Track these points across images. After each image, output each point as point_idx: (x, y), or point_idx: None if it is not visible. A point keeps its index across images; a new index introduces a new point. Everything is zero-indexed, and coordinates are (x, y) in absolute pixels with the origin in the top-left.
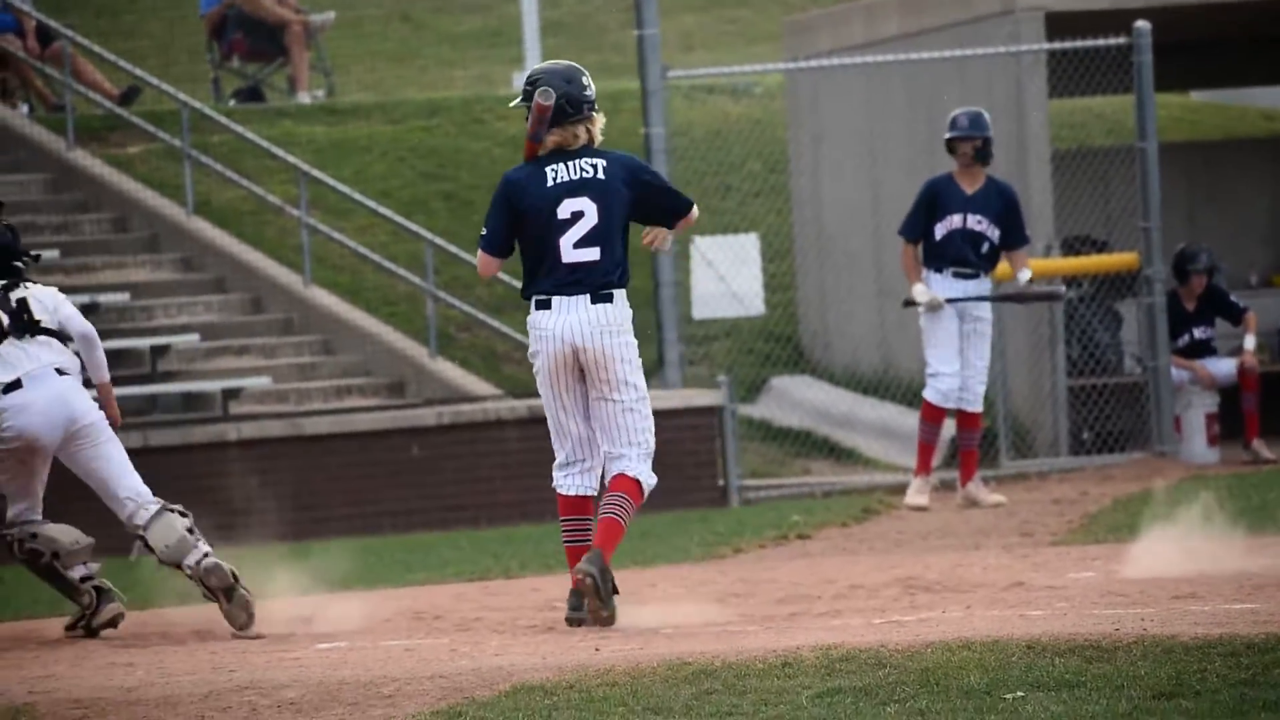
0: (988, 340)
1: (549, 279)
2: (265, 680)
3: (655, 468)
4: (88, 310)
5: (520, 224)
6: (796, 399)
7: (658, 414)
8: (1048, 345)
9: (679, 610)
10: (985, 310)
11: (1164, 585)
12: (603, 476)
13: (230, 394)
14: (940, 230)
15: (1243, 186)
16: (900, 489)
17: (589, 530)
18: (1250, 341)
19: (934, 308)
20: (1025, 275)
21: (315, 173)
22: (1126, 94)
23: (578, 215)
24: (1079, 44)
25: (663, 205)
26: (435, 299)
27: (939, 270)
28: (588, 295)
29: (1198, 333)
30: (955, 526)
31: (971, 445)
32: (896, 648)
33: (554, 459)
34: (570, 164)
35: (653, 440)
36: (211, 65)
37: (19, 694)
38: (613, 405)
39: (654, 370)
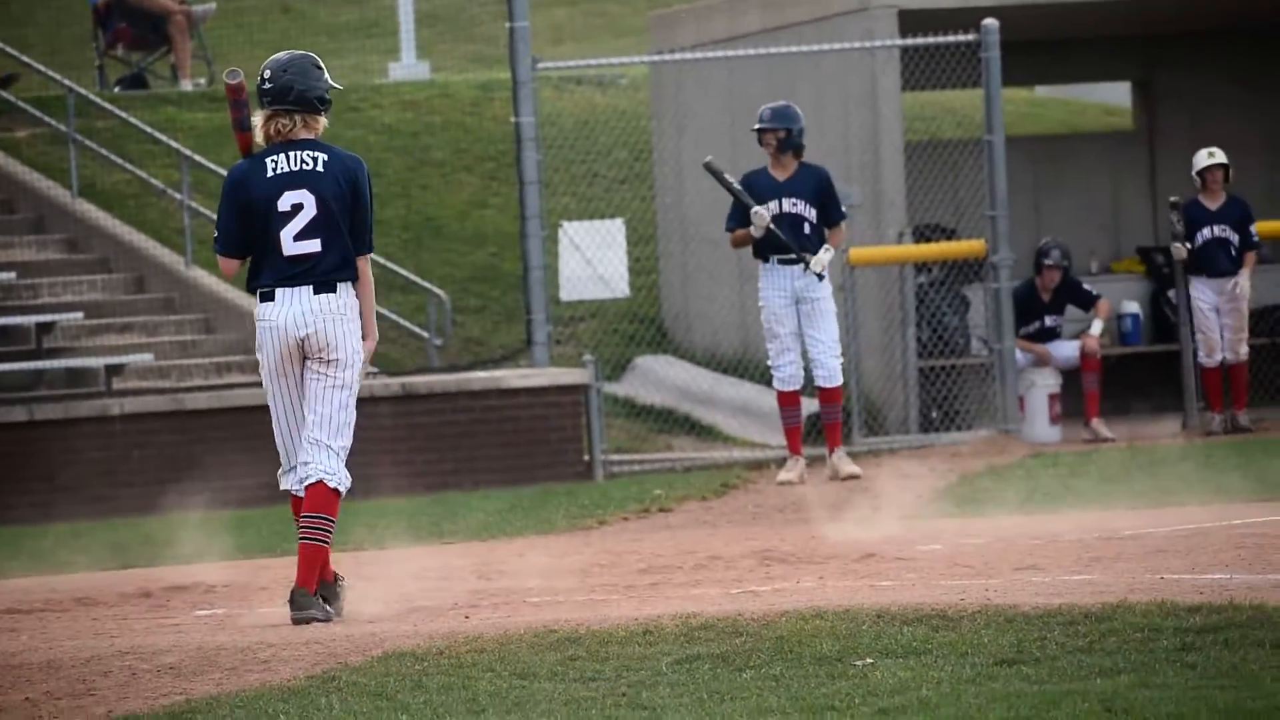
0: (829, 315)
1: (271, 272)
2: (145, 646)
3: (523, 444)
4: None
5: (247, 218)
6: (659, 378)
7: (528, 392)
8: (899, 327)
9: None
10: (820, 289)
11: (1007, 557)
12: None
13: (113, 370)
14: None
15: (1084, 178)
16: (758, 465)
17: None
18: (1097, 326)
19: (760, 227)
20: (827, 255)
21: (197, 157)
22: (975, 89)
23: (297, 208)
24: (930, 40)
25: (353, 223)
26: None
27: (765, 260)
28: (310, 286)
29: (1048, 320)
30: (809, 501)
31: (833, 418)
32: (752, 617)
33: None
34: (291, 155)
35: (350, 438)
36: (97, 53)
37: None
38: (326, 381)
39: (523, 350)
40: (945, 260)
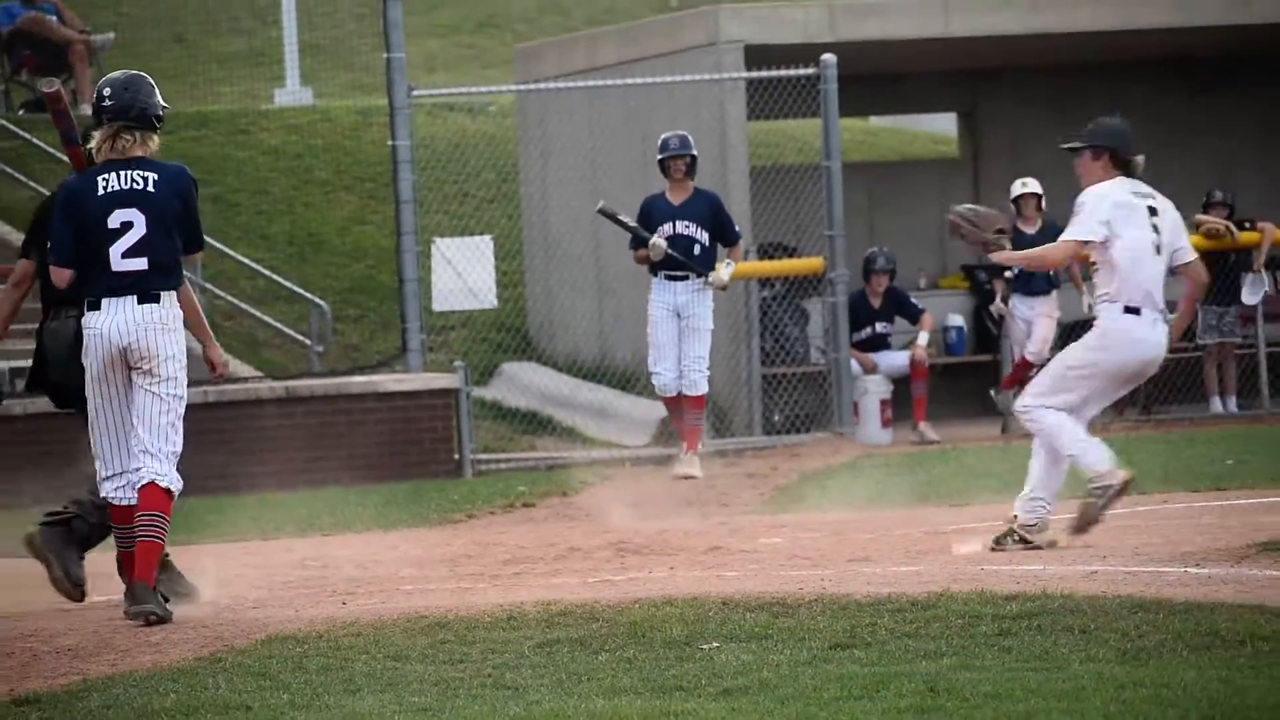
0: (701, 334)
1: (99, 285)
2: (45, 629)
3: (398, 443)
4: None
5: (79, 232)
6: (524, 383)
7: (403, 395)
8: (744, 337)
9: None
10: (700, 309)
11: (841, 549)
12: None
13: (17, 373)
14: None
15: (914, 201)
16: (611, 464)
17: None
18: (924, 338)
19: (657, 254)
20: (726, 271)
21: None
22: (815, 118)
23: (127, 225)
24: (774, 73)
25: (184, 229)
26: (203, 290)
27: (654, 274)
28: (134, 297)
29: (879, 327)
30: (660, 497)
31: (694, 424)
32: (608, 604)
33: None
34: (122, 174)
35: (180, 442)
36: (3, 78)
37: None
38: (153, 397)
39: (398, 356)
40: (787, 276)
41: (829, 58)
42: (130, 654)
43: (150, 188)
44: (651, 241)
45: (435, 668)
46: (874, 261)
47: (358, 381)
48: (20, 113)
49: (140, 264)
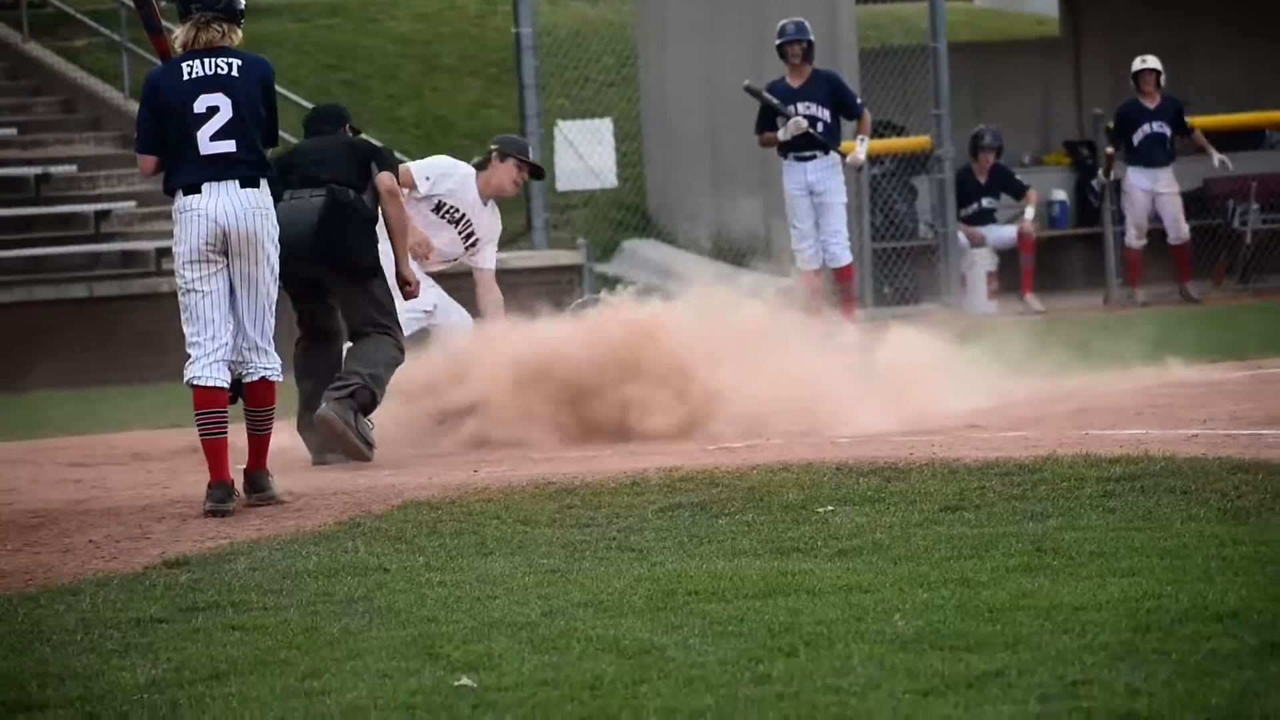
0: (836, 209)
1: (190, 170)
2: (194, 495)
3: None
4: (40, 180)
5: (164, 119)
6: (644, 259)
7: (530, 271)
8: (855, 213)
9: None
10: (831, 184)
11: (951, 416)
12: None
13: (162, 252)
14: (781, 121)
15: (1017, 80)
16: None
17: (224, 420)
18: (1030, 212)
19: (797, 129)
20: (861, 148)
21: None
22: (922, 0)
23: (213, 110)
24: None
25: (266, 122)
26: None
27: (784, 156)
28: (236, 181)
29: (985, 202)
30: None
31: (846, 293)
32: (728, 470)
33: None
34: (206, 61)
35: (273, 325)
36: None
37: None
38: (252, 286)
39: (524, 234)
40: (896, 154)
41: None
42: (274, 519)
43: (235, 73)
44: (792, 120)
45: (563, 531)
46: (981, 139)
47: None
48: (163, 4)
49: (228, 146)
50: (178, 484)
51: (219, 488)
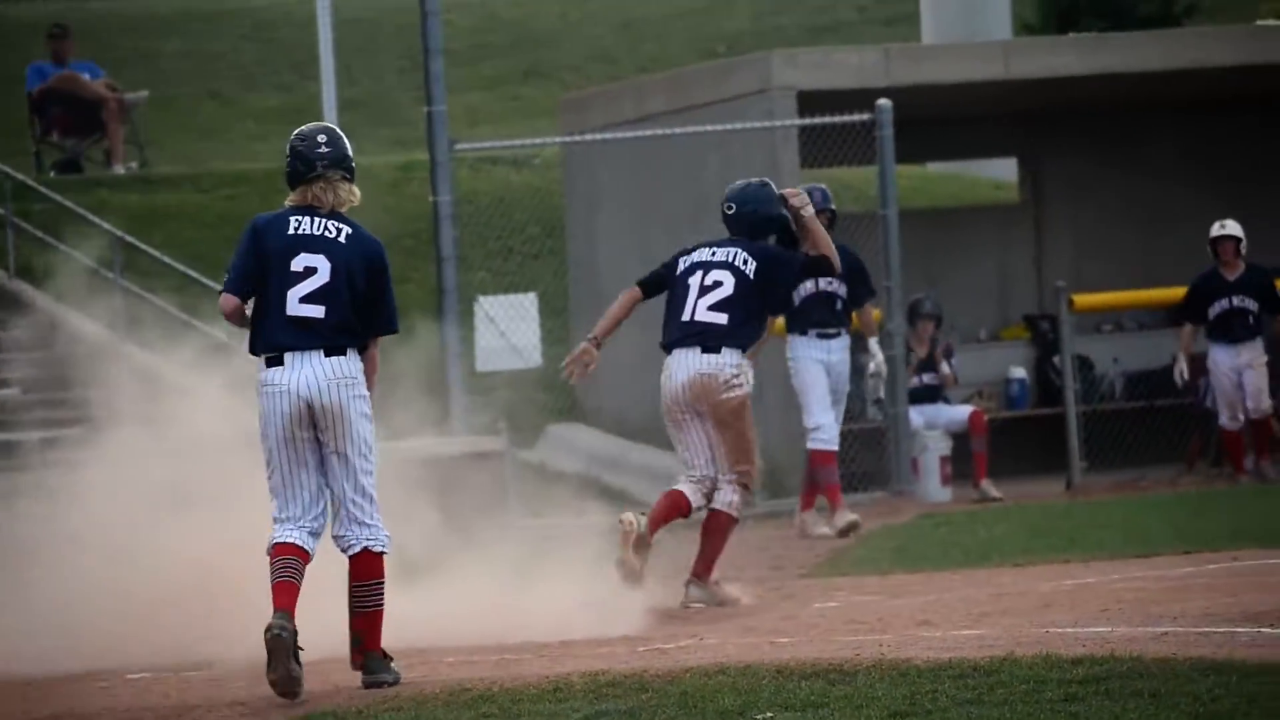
0: (842, 396)
1: (274, 332)
2: (79, 709)
3: (444, 505)
4: None
5: (257, 266)
6: (570, 443)
7: (447, 459)
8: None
9: None
10: (846, 371)
11: (900, 613)
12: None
13: (46, 444)
14: (798, 297)
15: (974, 249)
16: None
17: (299, 567)
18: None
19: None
20: (879, 351)
21: (129, 238)
22: (870, 165)
23: (310, 270)
24: (827, 120)
25: (375, 306)
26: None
27: (803, 333)
28: (320, 350)
29: (926, 378)
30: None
31: (831, 480)
32: (658, 673)
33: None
34: (315, 220)
35: (375, 493)
36: (34, 139)
37: None
38: (344, 461)
39: (442, 419)
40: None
41: (884, 103)
42: None
43: (341, 239)
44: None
45: None
46: (920, 306)
47: (399, 447)
48: (51, 174)
49: (317, 311)
50: (56, 695)
51: (373, 659)
